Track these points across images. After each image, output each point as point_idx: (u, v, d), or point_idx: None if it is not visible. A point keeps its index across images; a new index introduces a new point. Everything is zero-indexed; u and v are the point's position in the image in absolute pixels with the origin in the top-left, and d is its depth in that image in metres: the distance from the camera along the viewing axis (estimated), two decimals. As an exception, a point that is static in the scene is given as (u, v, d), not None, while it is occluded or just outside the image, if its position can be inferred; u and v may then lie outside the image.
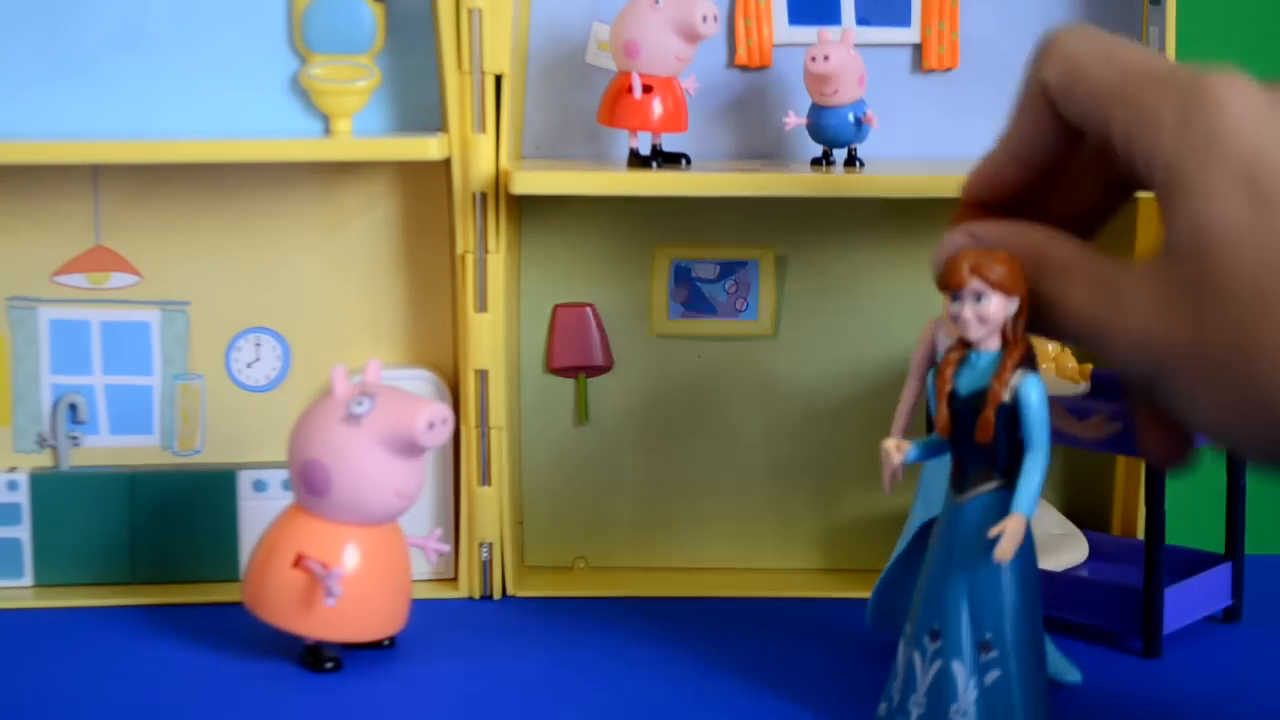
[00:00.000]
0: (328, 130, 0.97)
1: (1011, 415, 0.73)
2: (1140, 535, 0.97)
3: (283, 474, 0.96)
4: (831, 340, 1.01)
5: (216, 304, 0.99)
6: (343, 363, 0.87)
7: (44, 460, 0.99)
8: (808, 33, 0.98)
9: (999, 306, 0.73)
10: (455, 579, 0.97)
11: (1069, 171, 0.66)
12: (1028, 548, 0.74)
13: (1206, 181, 0.53)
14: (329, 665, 0.85)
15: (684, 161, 0.96)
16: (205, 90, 0.97)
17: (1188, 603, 0.90)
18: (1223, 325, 0.53)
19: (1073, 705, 0.80)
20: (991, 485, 0.74)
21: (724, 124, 1.00)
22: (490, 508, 0.97)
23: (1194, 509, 0.98)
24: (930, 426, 0.76)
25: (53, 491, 0.96)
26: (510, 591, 0.97)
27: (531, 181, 0.93)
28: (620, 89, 0.94)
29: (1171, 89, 0.55)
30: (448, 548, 0.91)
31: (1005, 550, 0.72)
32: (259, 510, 0.96)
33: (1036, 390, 0.73)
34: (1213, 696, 0.83)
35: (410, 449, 0.84)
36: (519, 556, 1.00)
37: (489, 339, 0.95)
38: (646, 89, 0.94)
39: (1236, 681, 0.85)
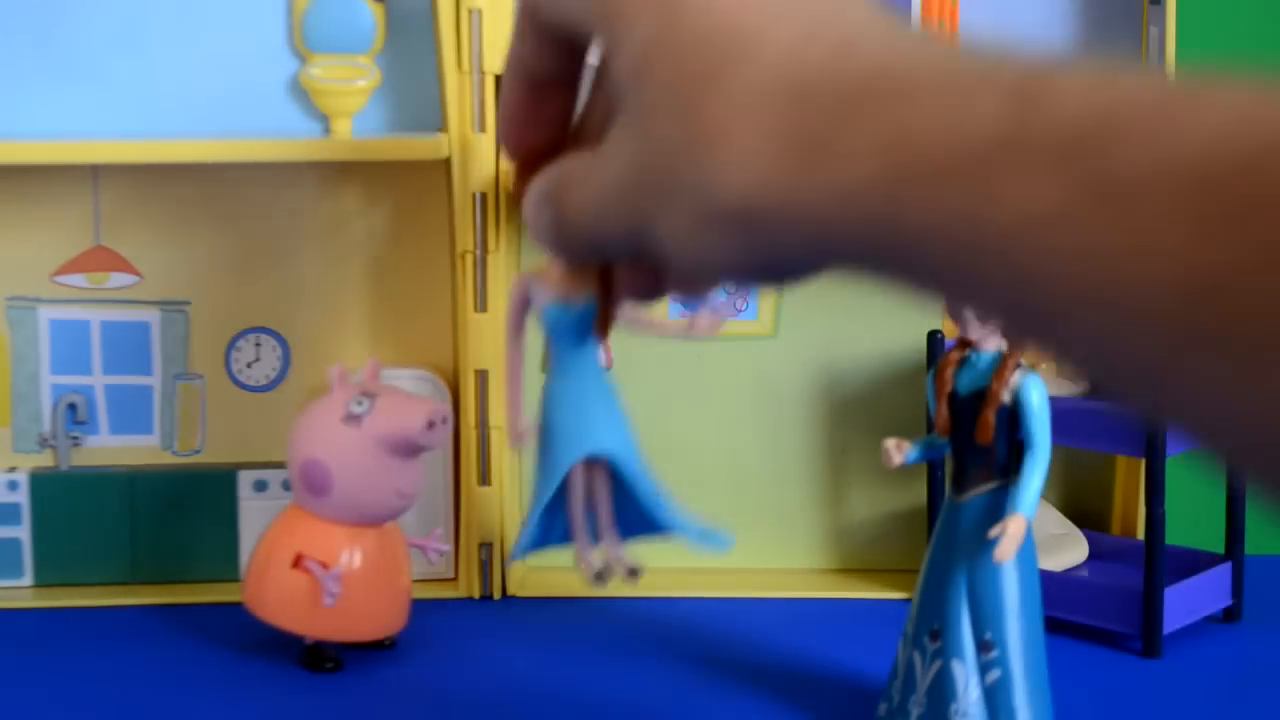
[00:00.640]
0: (328, 130, 0.97)
1: (1011, 415, 0.73)
2: (1140, 535, 0.97)
3: (283, 474, 0.96)
4: (831, 340, 1.01)
5: (216, 304, 0.99)
6: (342, 363, 0.86)
7: (44, 460, 0.99)
8: (808, 33, 0.98)
9: (999, 306, 0.73)
10: (455, 579, 0.97)
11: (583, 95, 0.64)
12: (1028, 548, 0.74)
13: (622, 18, 0.53)
14: (329, 665, 0.85)
15: (684, 161, 0.95)
16: (205, 90, 0.97)
17: (1188, 603, 0.90)
18: (661, 134, 0.52)
19: (1073, 705, 0.80)
20: (991, 485, 0.74)
21: (724, 124, 1.00)
22: (490, 508, 0.97)
23: (1194, 509, 0.98)
24: (930, 426, 0.76)
25: (53, 491, 0.96)
26: (510, 591, 0.97)
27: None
28: (620, 89, 0.94)
29: None
30: (448, 548, 0.90)
31: (1006, 550, 0.72)
32: (259, 510, 0.96)
33: (1036, 390, 0.73)
34: (1213, 696, 0.83)
35: (410, 449, 0.84)
36: (519, 556, 1.00)
37: (489, 339, 0.95)
38: (646, 89, 0.93)
39: (1236, 681, 0.85)
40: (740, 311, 1.01)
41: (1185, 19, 0.98)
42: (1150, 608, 0.87)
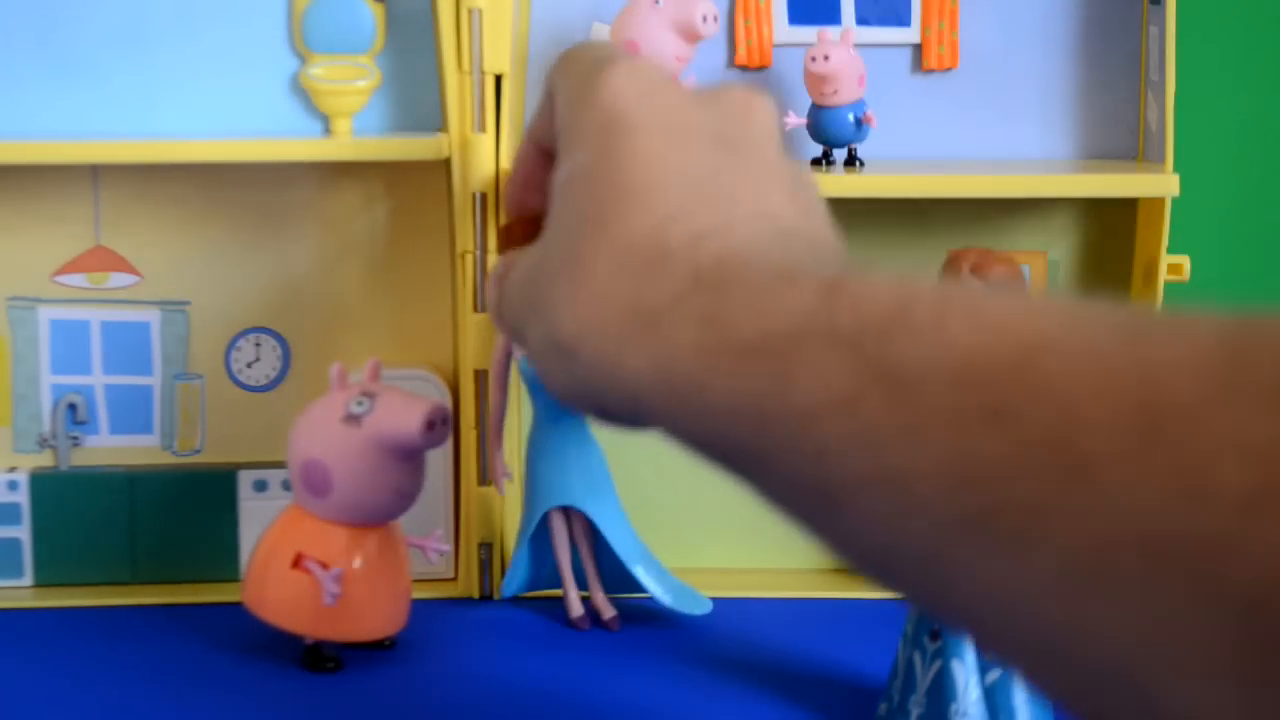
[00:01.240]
0: (328, 130, 0.97)
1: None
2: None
3: (283, 474, 0.96)
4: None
5: (216, 304, 0.99)
6: (342, 362, 0.86)
7: (44, 460, 0.99)
8: (808, 33, 0.98)
9: (999, 306, 0.74)
10: (455, 579, 0.97)
11: None
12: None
13: (576, 137, 0.58)
14: (329, 665, 0.85)
15: (684, 161, 0.95)
16: (205, 90, 0.97)
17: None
18: (552, 253, 0.57)
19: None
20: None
21: (724, 124, 1.00)
22: (490, 508, 0.97)
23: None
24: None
25: (53, 491, 0.96)
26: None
27: (531, 181, 0.93)
28: (620, 89, 0.94)
29: (581, 69, 0.59)
30: (448, 548, 0.90)
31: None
32: (259, 510, 0.96)
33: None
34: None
35: (410, 449, 0.84)
36: (519, 556, 1.00)
37: (489, 339, 0.95)
38: (646, 89, 0.93)
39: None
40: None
41: (1185, 19, 0.98)
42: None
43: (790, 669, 0.85)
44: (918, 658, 0.75)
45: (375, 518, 0.85)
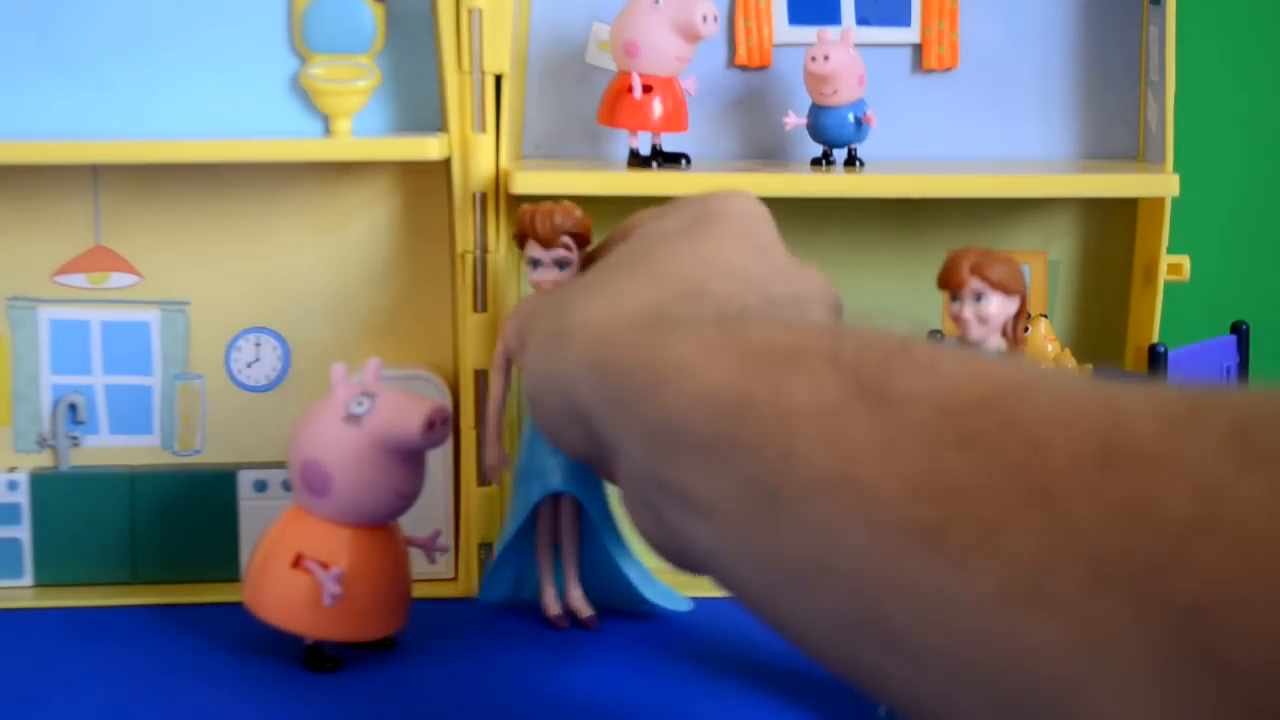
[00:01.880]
0: (328, 130, 0.97)
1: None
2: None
3: (283, 474, 0.96)
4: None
5: (216, 304, 0.99)
6: (343, 363, 0.86)
7: (44, 460, 0.99)
8: (808, 33, 0.98)
9: (999, 307, 0.74)
10: (455, 579, 0.97)
11: None
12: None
13: (674, 211, 0.73)
14: (329, 665, 0.85)
15: (684, 161, 0.96)
16: (205, 90, 0.97)
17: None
18: (592, 276, 0.69)
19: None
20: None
21: (724, 124, 1.00)
22: (490, 508, 0.97)
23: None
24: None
25: (53, 491, 0.96)
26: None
27: (531, 181, 0.93)
28: (620, 89, 0.94)
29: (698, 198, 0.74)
30: (448, 548, 0.90)
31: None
32: (259, 510, 0.96)
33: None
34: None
35: (410, 449, 0.84)
36: (519, 556, 1.00)
37: (489, 339, 0.95)
38: (646, 89, 0.94)
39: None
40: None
41: (1185, 19, 0.98)
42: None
43: (790, 669, 0.85)
44: (918, 658, 0.75)
45: (375, 518, 0.85)
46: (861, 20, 1.00)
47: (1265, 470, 0.40)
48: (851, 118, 0.96)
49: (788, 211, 1.00)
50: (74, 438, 0.99)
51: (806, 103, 0.97)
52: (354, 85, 0.97)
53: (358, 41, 0.97)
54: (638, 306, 0.62)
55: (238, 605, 0.87)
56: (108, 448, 0.99)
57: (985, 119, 1.00)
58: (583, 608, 0.92)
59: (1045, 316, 0.98)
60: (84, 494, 0.97)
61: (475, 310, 0.95)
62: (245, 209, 0.99)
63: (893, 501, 0.48)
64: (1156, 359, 0.87)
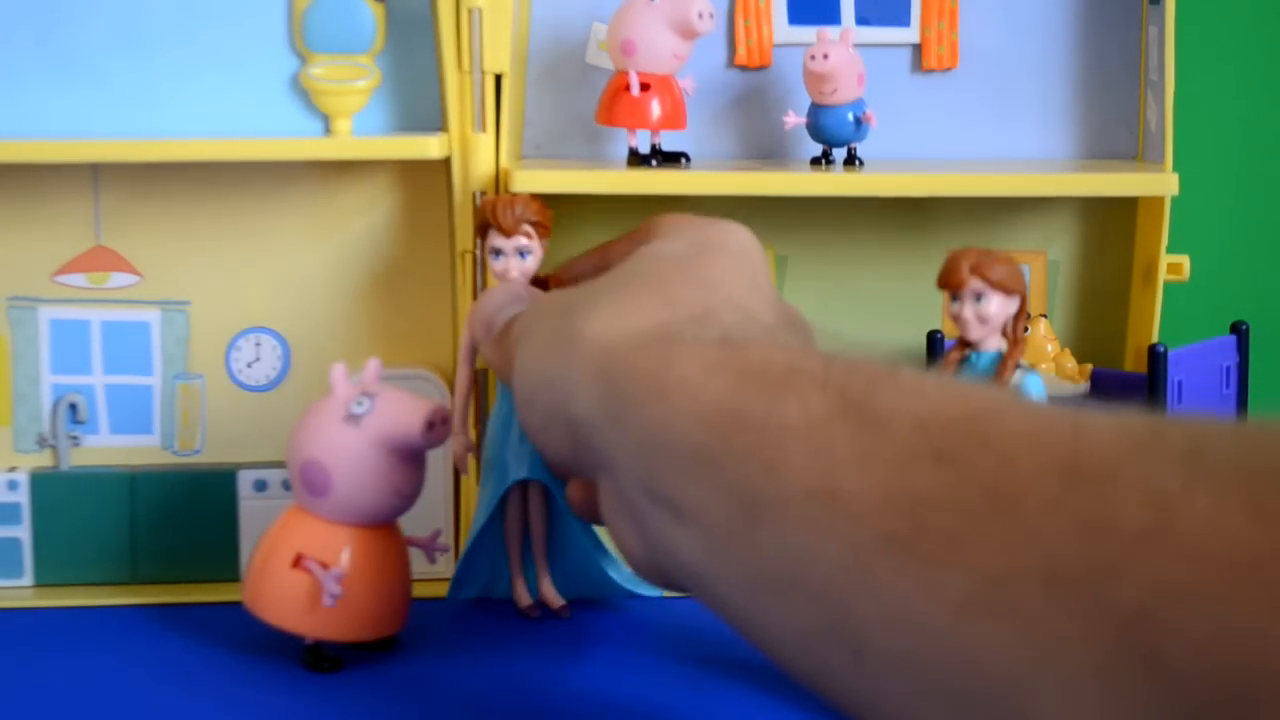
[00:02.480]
0: (328, 130, 0.97)
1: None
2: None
3: (283, 474, 0.96)
4: (831, 340, 1.01)
5: (216, 304, 0.99)
6: (343, 363, 0.86)
7: (44, 460, 0.99)
8: (808, 32, 0.98)
9: (999, 306, 0.74)
10: (455, 579, 0.97)
11: None
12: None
13: (674, 233, 0.77)
14: (329, 665, 0.85)
15: (683, 160, 0.96)
16: (205, 90, 0.97)
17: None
18: (595, 288, 0.70)
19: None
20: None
21: (724, 124, 1.00)
22: (490, 508, 0.97)
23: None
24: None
25: (53, 491, 0.96)
26: (510, 591, 0.97)
27: (531, 180, 0.93)
28: (618, 88, 0.94)
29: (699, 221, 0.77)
30: (448, 547, 0.90)
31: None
32: (259, 510, 0.96)
33: (1037, 390, 0.73)
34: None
35: (410, 449, 0.84)
36: (519, 556, 1.00)
37: (489, 339, 0.95)
38: (644, 87, 0.94)
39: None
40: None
41: (1185, 19, 0.98)
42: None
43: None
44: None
45: (375, 518, 0.85)
46: (861, 20, 1.00)
47: (1212, 484, 0.42)
48: (851, 117, 0.96)
49: (788, 211, 1.00)
50: (74, 437, 0.99)
51: (806, 102, 0.97)
52: (354, 85, 0.97)
53: (358, 41, 0.97)
54: (649, 325, 0.64)
55: (238, 605, 0.87)
56: (108, 448, 0.99)
57: (985, 119, 1.00)
58: (554, 598, 0.93)
59: (1045, 316, 0.98)
60: (84, 494, 0.97)
61: (475, 310, 0.95)
62: (245, 209, 0.99)
63: (867, 512, 0.50)
64: (1156, 359, 0.87)
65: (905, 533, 0.48)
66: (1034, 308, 0.99)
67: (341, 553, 0.85)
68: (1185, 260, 0.97)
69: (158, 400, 1.00)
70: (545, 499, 0.93)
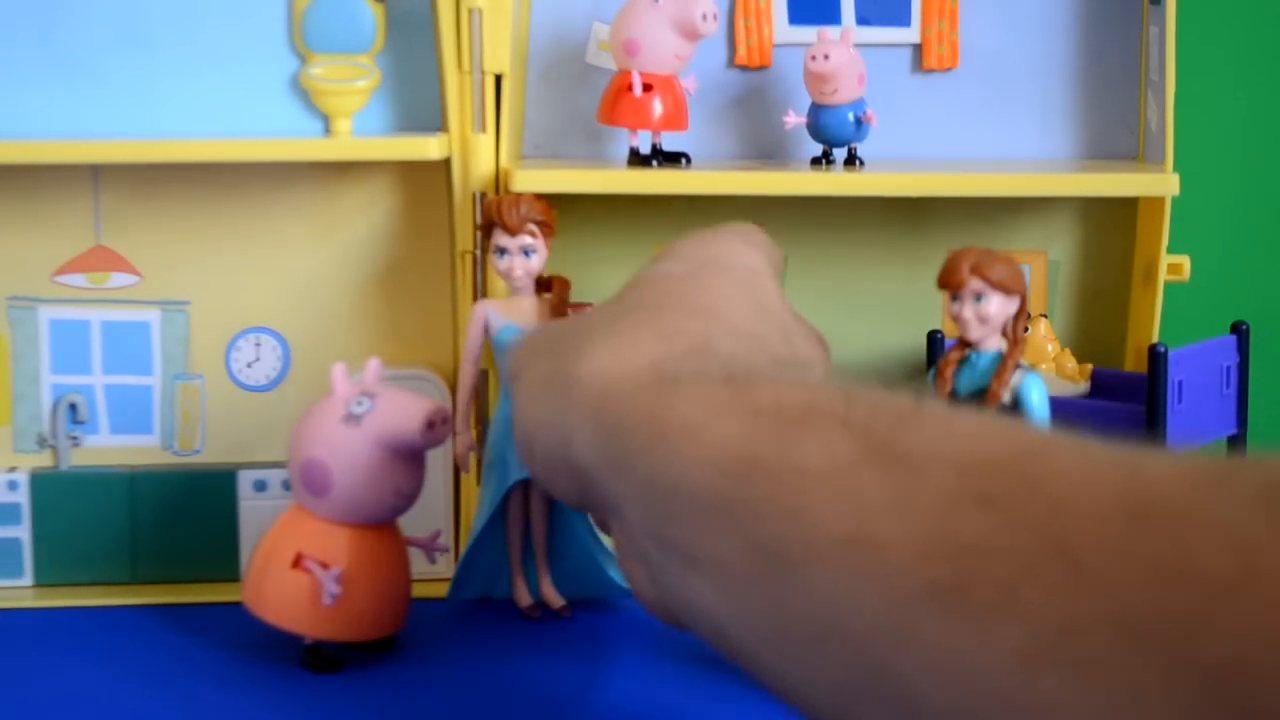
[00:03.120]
0: (328, 130, 0.97)
1: (1011, 415, 0.73)
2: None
3: (283, 474, 0.96)
4: (831, 340, 1.00)
5: (216, 304, 0.99)
6: (343, 363, 0.86)
7: (44, 460, 0.99)
8: (808, 32, 0.98)
9: (999, 306, 0.74)
10: (455, 579, 0.97)
11: None
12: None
13: (671, 253, 0.72)
14: (329, 665, 0.85)
15: (684, 161, 0.96)
16: (205, 90, 0.97)
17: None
18: (594, 320, 0.68)
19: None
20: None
21: (724, 124, 1.00)
22: (490, 508, 0.97)
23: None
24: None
25: (53, 491, 0.96)
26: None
27: (531, 180, 0.93)
28: (620, 88, 0.94)
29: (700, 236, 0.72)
30: (448, 548, 0.90)
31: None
32: (259, 510, 0.96)
33: (1037, 390, 0.73)
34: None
35: (410, 449, 0.84)
36: (519, 556, 1.00)
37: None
38: (646, 88, 0.94)
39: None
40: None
41: (1185, 19, 0.98)
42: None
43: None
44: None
45: (375, 518, 0.85)
46: (861, 20, 1.00)
47: None
48: (851, 117, 0.96)
49: (788, 211, 1.00)
50: (74, 437, 0.99)
51: (806, 102, 0.97)
52: (354, 85, 0.97)
53: (358, 41, 0.97)
54: (644, 362, 0.61)
55: (238, 605, 0.87)
56: (108, 447, 0.99)
57: (985, 119, 1.00)
58: (554, 598, 0.93)
59: (1045, 316, 0.98)
60: (84, 494, 0.97)
61: (475, 310, 0.95)
62: (245, 209, 0.99)
63: (907, 561, 0.47)
64: (1156, 359, 0.87)
65: (952, 582, 0.46)
66: (1034, 308, 0.99)
67: (341, 553, 0.85)
68: (1185, 260, 0.97)
69: (158, 400, 1.00)
70: (546, 499, 0.93)
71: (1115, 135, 1.00)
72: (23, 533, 0.96)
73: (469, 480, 0.97)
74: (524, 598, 0.93)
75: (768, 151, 1.00)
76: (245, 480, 0.97)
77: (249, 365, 1.00)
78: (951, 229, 0.99)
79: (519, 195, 0.90)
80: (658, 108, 0.94)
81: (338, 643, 0.86)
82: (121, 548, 0.97)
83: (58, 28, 0.96)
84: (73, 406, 0.98)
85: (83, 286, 0.99)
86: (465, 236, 0.95)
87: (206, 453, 1.00)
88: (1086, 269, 1.01)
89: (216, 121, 0.97)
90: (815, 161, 0.97)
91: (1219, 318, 0.96)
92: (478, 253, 0.95)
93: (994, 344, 0.74)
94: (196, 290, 0.99)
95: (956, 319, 0.74)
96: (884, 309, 1.00)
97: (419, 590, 0.90)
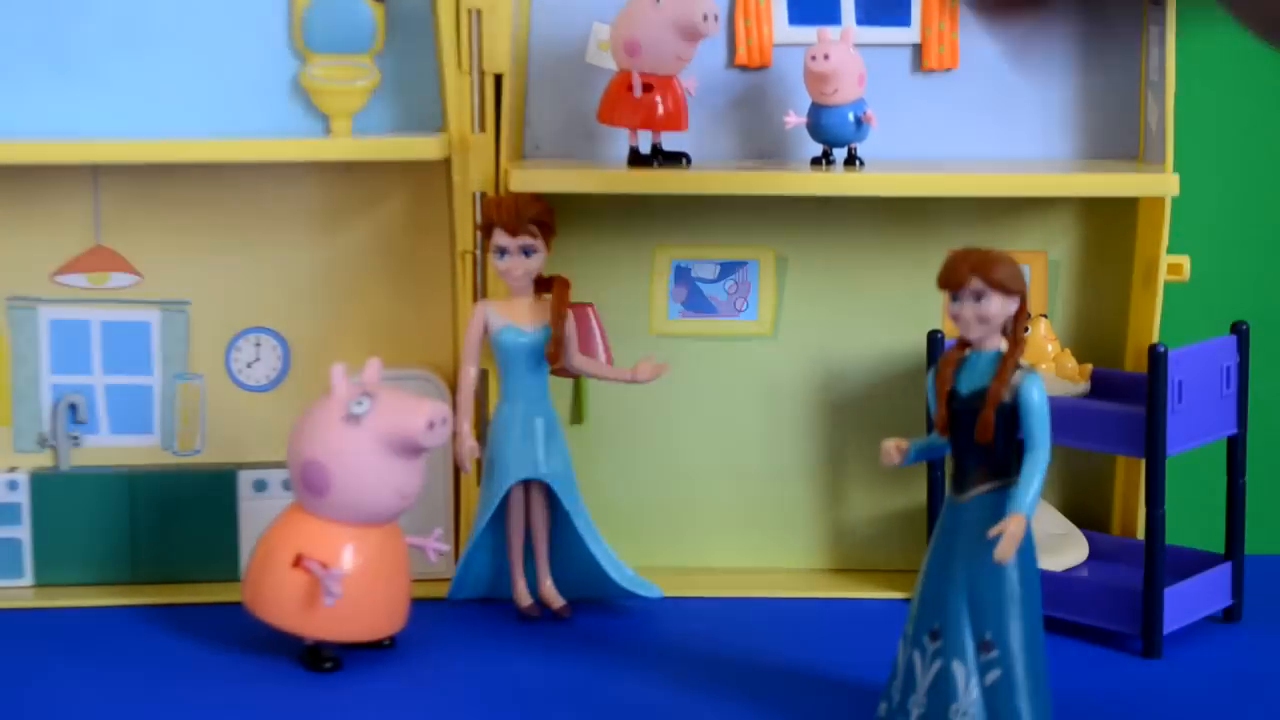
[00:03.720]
0: (328, 130, 0.97)
1: (1011, 415, 0.73)
2: (1140, 535, 0.97)
3: (283, 474, 0.96)
4: (831, 340, 1.01)
5: (216, 304, 0.99)
6: (343, 363, 0.86)
7: (44, 460, 0.99)
8: (808, 33, 0.98)
9: (999, 306, 0.73)
10: (455, 579, 0.97)
11: None
12: (1028, 548, 0.74)
13: None
14: (329, 665, 0.85)
15: (684, 160, 0.96)
16: (205, 90, 0.97)
17: (1188, 603, 0.90)
18: None
19: (1073, 705, 0.80)
20: (991, 485, 0.74)
21: (724, 124, 1.00)
22: (490, 508, 0.96)
23: (1194, 509, 0.98)
24: (930, 426, 0.76)
25: (53, 491, 0.96)
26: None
27: (531, 180, 0.93)
28: (620, 88, 0.94)
29: None
30: (448, 548, 0.90)
31: (1005, 550, 0.72)
32: (259, 510, 0.96)
33: (1037, 390, 0.73)
34: (1213, 696, 0.83)
35: (410, 449, 0.84)
36: (519, 556, 1.00)
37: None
38: (647, 88, 0.94)
39: (1236, 681, 0.85)
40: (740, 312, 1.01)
41: (1185, 19, 0.98)
42: (1150, 608, 0.87)
43: (790, 669, 0.85)
44: (918, 658, 0.75)
45: (375, 518, 0.85)
46: (861, 20, 1.00)
47: None
48: (852, 117, 0.95)
49: (788, 211, 1.00)
50: (74, 438, 0.99)
51: (807, 102, 0.96)
52: (354, 85, 0.97)
53: (358, 41, 0.97)
54: None
55: (238, 605, 0.87)
56: (108, 448, 0.99)
57: (985, 119, 1.00)
58: (554, 598, 0.93)
59: (1045, 316, 0.98)
60: (84, 494, 0.97)
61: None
62: (245, 209, 0.99)
63: None
64: (1156, 359, 0.87)
65: None
66: (1034, 308, 0.99)
67: (341, 553, 0.85)
68: (1185, 260, 0.97)
69: (158, 400, 1.00)
70: (547, 500, 0.93)
71: (1115, 135, 1.00)
72: (23, 533, 0.96)
73: (469, 480, 0.97)
74: (524, 598, 0.93)
75: (768, 151, 1.00)
76: (245, 480, 0.97)
77: (249, 365, 1.00)
78: (951, 229, 0.99)
79: (518, 195, 0.90)
80: (658, 108, 0.94)
81: (338, 643, 0.86)
82: (121, 548, 0.97)
83: (58, 28, 0.96)
84: (73, 406, 0.98)
85: (83, 286, 0.99)
86: (465, 236, 0.95)
87: (206, 453, 1.00)
88: (1086, 269, 1.01)
89: (216, 121, 0.97)
90: (815, 161, 0.97)
91: (1219, 318, 0.96)
92: (478, 253, 0.95)
93: (994, 344, 0.74)
94: (196, 290, 0.99)
95: (956, 319, 0.74)
96: (884, 309, 1.00)
97: (419, 590, 0.90)
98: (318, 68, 0.96)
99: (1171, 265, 0.97)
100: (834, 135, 0.96)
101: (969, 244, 0.78)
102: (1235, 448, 0.93)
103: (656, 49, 0.93)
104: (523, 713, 0.80)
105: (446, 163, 0.95)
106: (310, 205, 0.99)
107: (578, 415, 1.01)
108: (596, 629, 0.91)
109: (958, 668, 0.73)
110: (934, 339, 0.93)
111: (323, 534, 0.85)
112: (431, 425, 0.83)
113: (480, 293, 0.95)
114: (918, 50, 1.00)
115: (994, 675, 0.73)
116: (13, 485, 0.96)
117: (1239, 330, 0.93)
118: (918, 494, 0.98)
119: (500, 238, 0.89)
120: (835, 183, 0.94)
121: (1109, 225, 1.00)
